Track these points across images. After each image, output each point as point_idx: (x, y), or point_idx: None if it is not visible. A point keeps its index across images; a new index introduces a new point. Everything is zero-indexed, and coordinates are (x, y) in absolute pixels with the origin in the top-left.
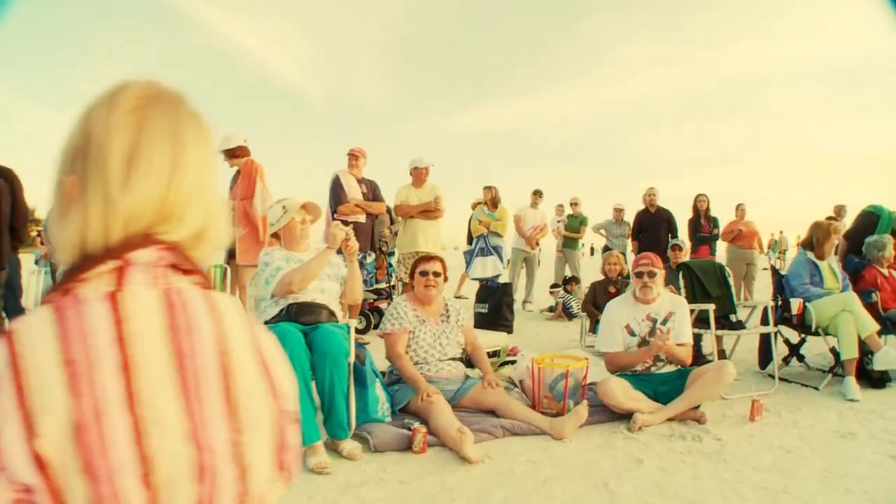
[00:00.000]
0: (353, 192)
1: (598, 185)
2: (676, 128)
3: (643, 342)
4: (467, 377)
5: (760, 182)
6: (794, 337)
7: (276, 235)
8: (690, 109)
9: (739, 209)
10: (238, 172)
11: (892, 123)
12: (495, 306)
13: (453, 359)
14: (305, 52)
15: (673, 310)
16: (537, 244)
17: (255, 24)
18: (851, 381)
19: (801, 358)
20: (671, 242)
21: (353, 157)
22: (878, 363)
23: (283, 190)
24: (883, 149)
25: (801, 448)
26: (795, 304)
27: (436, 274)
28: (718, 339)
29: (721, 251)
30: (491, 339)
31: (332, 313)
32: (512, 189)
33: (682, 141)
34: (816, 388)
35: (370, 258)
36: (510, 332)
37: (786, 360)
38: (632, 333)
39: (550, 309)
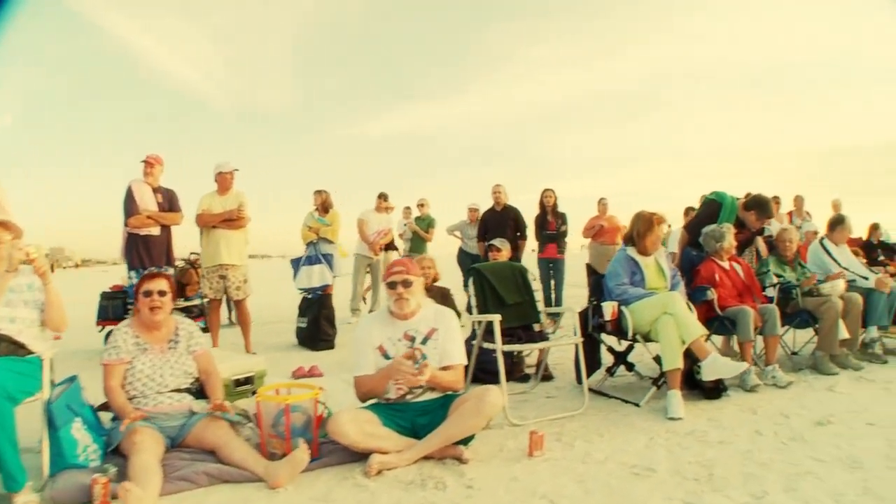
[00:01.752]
0: (147, 202)
1: (511, 186)
2: (586, 128)
3: None
4: (192, 412)
5: (669, 178)
6: (621, 343)
7: None
8: (599, 110)
9: (601, 203)
10: None
11: (793, 121)
12: (314, 319)
13: (177, 390)
14: (208, 57)
15: (436, 325)
16: (381, 249)
17: (155, 27)
18: (674, 395)
19: (629, 367)
20: (488, 242)
21: (149, 164)
22: (706, 373)
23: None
24: (786, 144)
25: (573, 495)
26: (608, 309)
27: (161, 293)
28: (542, 351)
29: (573, 248)
30: (243, 364)
31: (17, 345)
32: (423, 193)
33: (593, 140)
34: (637, 405)
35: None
36: (331, 347)
37: (610, 371)
38: (385, 356)
39: None
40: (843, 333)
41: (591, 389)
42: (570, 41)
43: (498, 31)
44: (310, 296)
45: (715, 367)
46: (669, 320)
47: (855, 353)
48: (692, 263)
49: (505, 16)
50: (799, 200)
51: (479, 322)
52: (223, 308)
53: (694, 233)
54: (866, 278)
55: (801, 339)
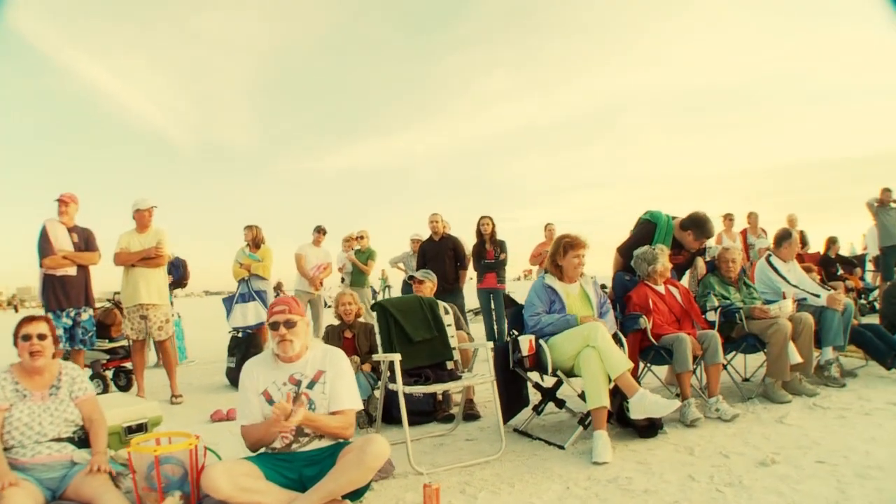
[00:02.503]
0: (62, 242)
1: (470, 214)
2: (540, 156)
3: None
4: (74, 462)
5: (624, 203)
6: (544, 379)
7: None
8: (553, 138)
9: (547, 229)
10: None
11: (742, 144)
12: (242, 358)
13: (58, 440)
14: (169, 97)
15: (324, 368)
16: (321, 284)
17: (116, 68)
18: (600, 437)
19: (559, 404)
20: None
21: (63, 203)
22: (633, 411)
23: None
24: (735, 166)
25: None
26: (524, 343)
27: (41, 337)
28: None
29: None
30: (135, 410)
31: None
32: (387, 225)
33: (547, 169)
34: (562, 447)
35: (86, 314)
36: None
37: (537, 410)
38: (270, 401)
39: None
40: (795, 357)
41: (516, 430)
42: (523, 71)
43: (453, 62)
44: (239, 334)
45: (643, 404)
46: (592, 354)
47: (810, 377)
48: (625, 289)
49: (459, 45)
50: (753, 217)
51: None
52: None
53: (627, 256)
54: (818, 296)
55: (753, 363)
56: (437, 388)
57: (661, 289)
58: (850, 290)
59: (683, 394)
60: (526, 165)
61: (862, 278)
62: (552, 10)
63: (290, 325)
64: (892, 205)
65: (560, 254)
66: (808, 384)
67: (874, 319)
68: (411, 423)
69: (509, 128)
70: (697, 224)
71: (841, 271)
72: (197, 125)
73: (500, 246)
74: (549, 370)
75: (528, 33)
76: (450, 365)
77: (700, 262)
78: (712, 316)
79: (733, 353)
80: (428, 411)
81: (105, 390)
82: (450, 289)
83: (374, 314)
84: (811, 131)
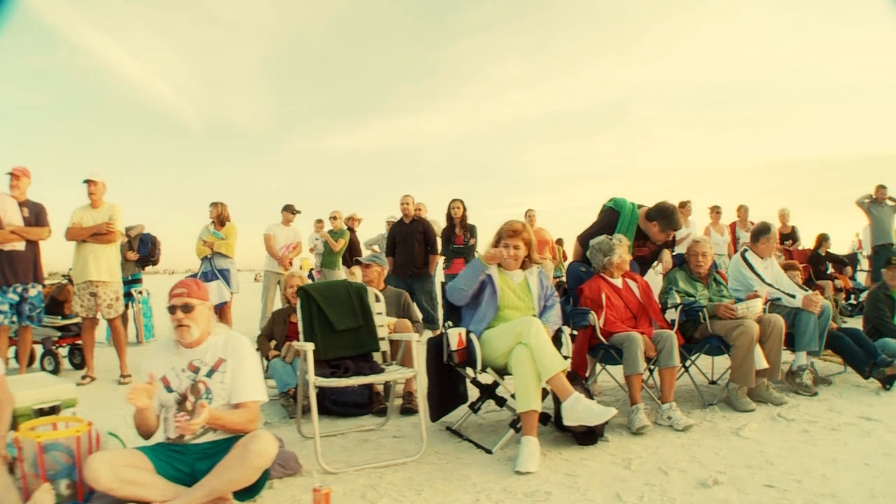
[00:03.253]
0: (12, 216)
1: (478, 201)
2: (553, 144)
3: (183, 400)
4: None
5: (632, 194)
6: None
7: None
8: (565, 126)
9: (528, 216)
10: None
11: (751, 139)
12: None
13: None
14: (180, 74)
15: (225, 356)
16: (291, 264)
17: (129, 46)
18: (527, 444)
19: (499, 402)
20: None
21: (15, 177)
22: (566, 417)
23: (159, 217)
24: (744, 161)
25: None
26: (454, 337)
27: None
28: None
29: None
30: (48, 392)
31: None
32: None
33: (557, 157)
34: (489, 451)
35: (34, 290)
36: None
37: (473, 408)
38: (168, 388)
39: None
40: (761, 362)
41: (448, 428)
42: (536, 58)
43: (465, 47)
44: None
45: (576, 410)
46: (523, 352)
47: (779, 384)
48: (580, 280)
49: (472, 30)
50: (742, 210)
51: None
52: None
53: (586, 245)
54: (793, 296)
55: (722, 365)
56: (354, 382)
57: (617, 282)
58: (839, 290)
59: (632, 398)
60: (534, 153)
61: (853, 278)
62: (564, 0)
63: (187, 309)
64: (888, 202)
65: (494, 242)
66: (775, 392)
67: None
68: (345, 415)
69: (519, 115)
70: (663, 215)
71: (831, 270)
72: (208, 104)
73: (471, 230)
74: (479, 367)
75: (541, 21)
76: (377, 356)
77: (666, 256)
78: (673, 314)
79: (697, 354)
80: (363, 403)
81: (56, 368)
82: (418, 273)
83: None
84: (822, 130)
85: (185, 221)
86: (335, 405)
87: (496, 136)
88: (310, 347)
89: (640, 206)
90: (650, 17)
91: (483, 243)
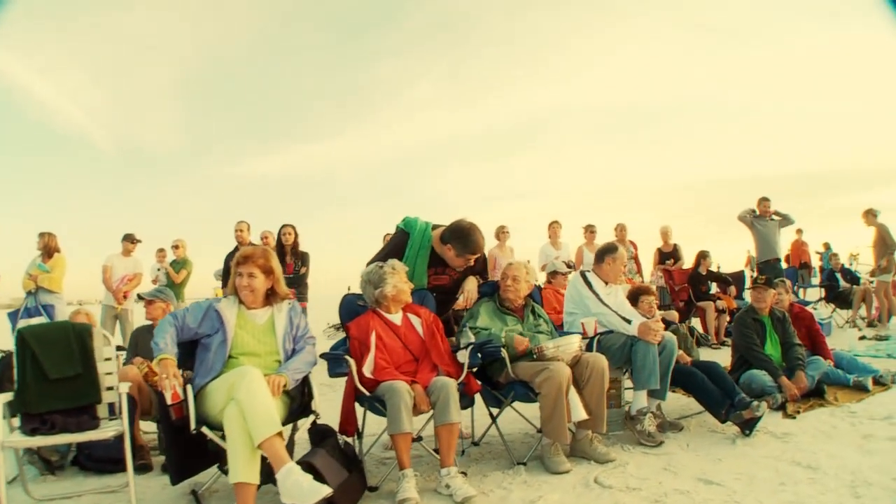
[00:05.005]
0: None
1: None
2: (465, 166)
3: None
4: None
5: (547, 214)
6: None
7: None
8: (478, 148)
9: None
10: None
11: (662, 161)
12: None
13: None
14: (91, 98)
15: None
16: (126, 297)
17: (33, 62)
18: None
19: None
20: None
21: None
22: (282, 492)
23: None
24: (655, 181)
25: None
26: (168, 391)
27: None
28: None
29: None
30: None
31: None
32: (312, 234)
33: (472, 179)
34: None
35: None
36: None
37: (222, 468)
38: None
39: None
40: (578, 413)
41: (193, 492)
42: (451, 81)
43: (383, 70)
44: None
45: (286, 486)
46: (233, 411)
47: (608, 436)
48: (355, 315)
49: (388, 54)
50: (620, 230)
51: None
52: None
53: None
54: (629, 321)
55: None
56: (58, 440)
57: (395, 318)
58: (721, 311)
59: (399, 462)
60: (450, 175)
61: (739, 297)
62: (479, 23)
63: None
64: (775, 217)
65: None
66: (601, 446)
67: None
68: (100, 472)
69: (434, 138)
70: (457, 236)
71: (715, 289)
72: (118, 125)
73: (302, 258)
74: (192, 426)
75: (456, 44)
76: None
77: (469, 285)
78: (463, 356)
79: (507, 402)
80: (117, 459)
81: None
82: None
83: None
84: (729, 150)
85: (94, 249)
86: (89, 460)
87: (412, 159)
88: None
89: (435, 227)
90: (563, 40)
91: (319, 271)
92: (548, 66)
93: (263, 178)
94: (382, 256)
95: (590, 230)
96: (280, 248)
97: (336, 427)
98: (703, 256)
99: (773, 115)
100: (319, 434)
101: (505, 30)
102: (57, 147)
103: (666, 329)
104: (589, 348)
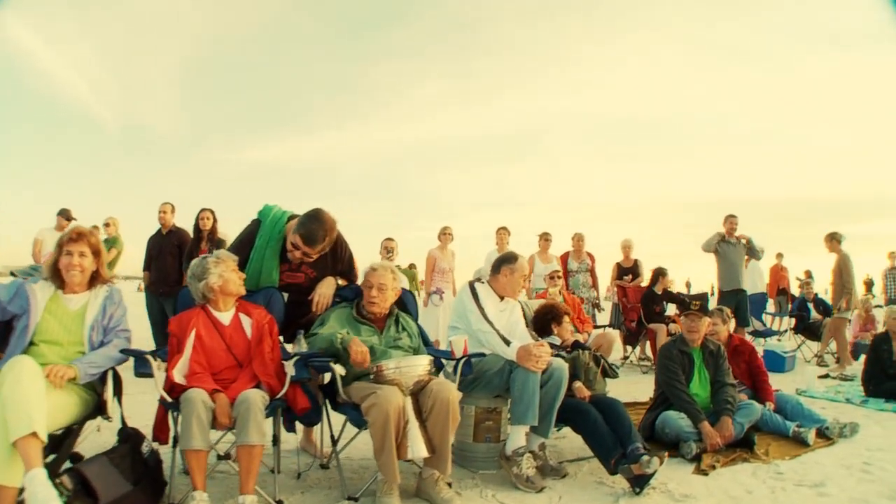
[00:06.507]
0: None
1: (393, 223)
2: (464, 170)
3: None
4: None
5: (546, 223)
6: None
7: None
8: (478, 153)
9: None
10: None
11: (661, 176)
12: None
13: None
14: (97, 71)
15: None
16: None
17: (44, 33)
18: None
19: None
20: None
21: None
22: None
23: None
24: (655, 197)
25: None
26: None
27: None
28: None
29: None
30: None
31: None
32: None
33: (470, 183)
34: None
35: None
36: None
37: None
38: None
39: None
40: (418, 450)
41: None
42: (455, 84)
43: (386, 69)
44: None
45: (26, 494)
46: None
47: (499, 471)
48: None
49: (395, 51)
50: (578, 239)
51: None
52: None
53: None
54: (508, 343)
55: None
56: None
57: (225, 317)
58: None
59: (193, 481)
60: (448, 177)
61: None
62: (486, 28)
63: None
64: (742, 241)
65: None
66: (446, 490)
67: None
68: None
69: (435, 139)
70: (300, 222)
71: (674, 310)
72: (122, 104)
73: (218, 245)
74: None
75: (462, 47)
76: None
77: (323, 288)
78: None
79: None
80: None
81: None
82: (169, 292)
83: None
84: (731, 170)
85: (86, 223)
86: None
87: (412, 158)
88: None
89: (293, 216)
90: (569, 50)
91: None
92: (552, 74)
93: (263, 165)
94: (233, 248)
95: (544, 238)
96: (197, 232)
97: None
98: (660, 274)
99: (775, 137)
100: (127, 439)
101: (512, 37)
102: (58, 120)
103: (573, 351)
104: (463, 372)
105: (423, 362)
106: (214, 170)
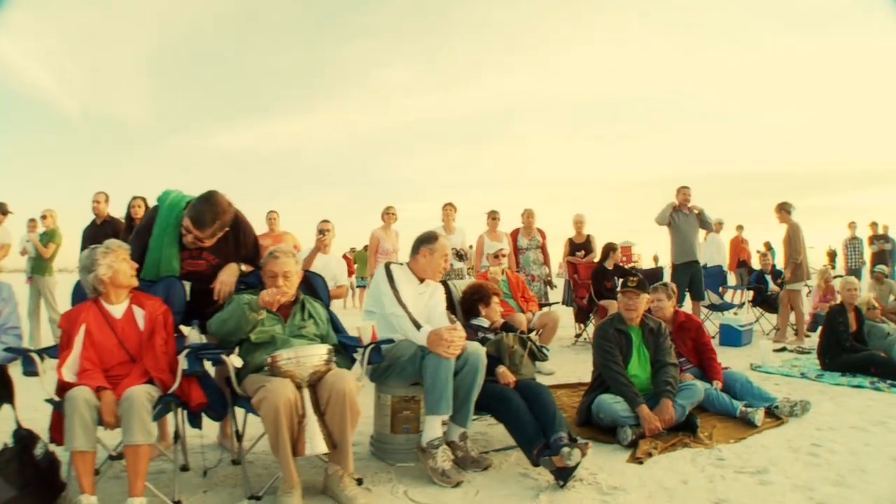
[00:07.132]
0: None
1: (359, 206)
2: (433, 152)
3: None
4: None
5: (514, 205)
6: None
7: None
8: (447, 135)
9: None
10: None
11: (628, 156)
12: None
13: None
14: (61, 64)
15: None
16: None
17: (3, 23)
18: None
19: None
20: None
21: None
22: None
23: (33, 211)
24: (622, 175)
25: None
26: None
27: None
28: None
29: None
30: None
31: None
32: (276, 208)
33: (439, 165)
34: None
35: None
36: None
37: None
38: None
39: None
40: (316, 445)
41: None
42: (423, 66)
43: (352, 50)
44: None
45: None
46: None
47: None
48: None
49: (362, 34)
50: (528, 216)
51: None
52: None
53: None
54: (419, 328)
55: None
56: None
57: (117, 310)
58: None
59: (80, 484)
60: (416, 160)
61: None
62: (456, 8)
63: None
64: (694, 210)
65: None
66: (350, 487)
67: None
68: None
69: (402, 122)
70: (191, 204)
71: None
72: (85, 93)
73: None
74: None
75: (430, 29)
76: None
77: (223, 275)
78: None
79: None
80: None
81: None
82: None
83: None
84: (696, 147)
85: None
86: None
87: (379, 142)
88: None
89: (187, 199)
90: (538, 31)
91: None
92: (522, 55)
93: (229, 152)
94: (133, 236)
95: (492, 216)
96: (129, 221)
97: None
98: (611, 249)
99: (743, 115)
100: (20, 440)
101: (481, 17)
102: (20, 110)
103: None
104: (372, 359)
105: (320, 351)
106: (185, 158)
